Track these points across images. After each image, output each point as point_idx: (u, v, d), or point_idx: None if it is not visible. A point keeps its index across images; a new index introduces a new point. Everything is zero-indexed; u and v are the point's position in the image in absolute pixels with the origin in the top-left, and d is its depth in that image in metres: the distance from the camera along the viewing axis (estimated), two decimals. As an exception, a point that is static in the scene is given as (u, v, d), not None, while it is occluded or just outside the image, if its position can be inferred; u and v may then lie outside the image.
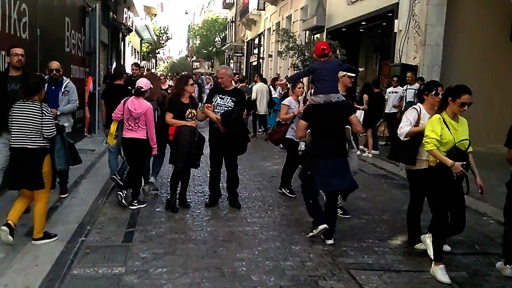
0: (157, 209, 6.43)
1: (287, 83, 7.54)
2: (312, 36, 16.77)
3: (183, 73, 37.21)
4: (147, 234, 5.41)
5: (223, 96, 6.32)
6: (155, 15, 53.83)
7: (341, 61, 7.63)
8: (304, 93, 7.92)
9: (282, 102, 7.14)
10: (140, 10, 33.27)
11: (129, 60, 31.20)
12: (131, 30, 27.26)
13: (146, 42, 42.94)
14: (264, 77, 17.64)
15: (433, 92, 4.90)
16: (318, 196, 5.40)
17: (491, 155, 9.93)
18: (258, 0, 30.55)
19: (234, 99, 6.31)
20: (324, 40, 15.98)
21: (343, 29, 16.98)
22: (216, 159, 6.57)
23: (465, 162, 4.27)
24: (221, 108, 6.26)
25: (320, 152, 5.10)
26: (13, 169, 4.80)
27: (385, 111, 11.91)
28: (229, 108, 6.23)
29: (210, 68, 61.00)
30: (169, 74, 37.03)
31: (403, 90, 11.38)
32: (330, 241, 5.20)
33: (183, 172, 6.33)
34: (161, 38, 47.38)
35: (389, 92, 11.90)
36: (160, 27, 47.85)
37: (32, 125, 4.63)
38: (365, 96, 10.70)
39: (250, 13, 33.16)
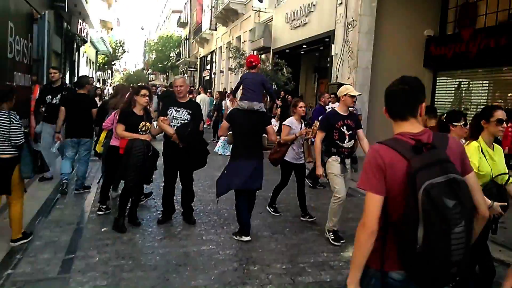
0: (103, 229, 5.52)
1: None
2: (260, 55, 16.81)
3: (139, 84, 36.64)
4: (89, 261, 4.50)
5: (179, 109, 5.61)
6: (112, 29, 52.89)
7: (267, 79, 7.42)
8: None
9: (283, 123, 6.39)
10: (95, 23, 32.38)
11: (84, 70, 30.27)
12: (86, 41, 26.42)
13: (102, 54, 41.89)
14: (208, 89, 17.62)
15: (462, 123, 4.09)
16: (227, 191, 5.36)
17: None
18: (210, 20, 30.42)
19: (190, 112, 5.62)
20: (270, 60, 16.10)
21: (286, 50, 17.14)
22: (171, 173, 5.83)
23: (506, 203, 3.29)
24: (177, 121, 5.57)
25: (238, 152, 5.25)
26: None
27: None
28: (185, 122, 5.55)
29: (165, 81, 60.23)
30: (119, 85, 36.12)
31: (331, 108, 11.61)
32: (247, 238, 5.30)
33: (135, 189, 5.60)
34: (117, 51, 46.48)
35: (328, 108, 12.03)
36: (116, 41, 46.88)
37: (0, 133, 4.46)
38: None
39: (203, 32, 33.00)
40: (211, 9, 29.70)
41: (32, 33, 9.91)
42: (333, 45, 13.29)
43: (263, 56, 19.07)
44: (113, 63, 48.49)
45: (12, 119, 4.48)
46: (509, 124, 6.81)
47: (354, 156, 5.62)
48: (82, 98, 6.98)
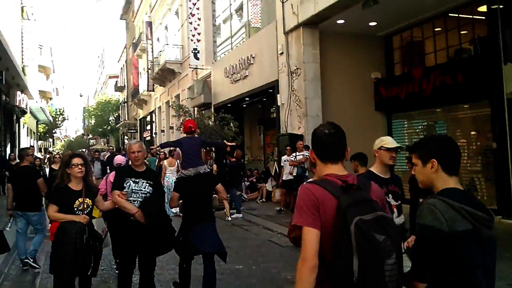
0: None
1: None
2: (201, 111, 15.35)
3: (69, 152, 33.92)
4: None
5: (137, 180, 4.36)
6: (51, 98, 49.84)
7: (204, 138, 6.98)
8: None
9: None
10: (34, 93, 29.81)
11: (25, 141, 27.41)
12: (25, 112, 23.87)
13: (42, 123, 38.81)
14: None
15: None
16: (192, 260, 4.84)
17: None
18: (147, 82, 28.87)
19: (151, 183, 4.42)
20: (212, 117, 14.71)
21: (228, 105, 15.88)
22: (128, 258, 4.38)
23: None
24: (138, 195, 4.32)
25: (192, 218, 4.77)
26: None
27: (282, 179, 10.82)
28: (147, 195, 4.34)
29: (106, 144, 57.33)
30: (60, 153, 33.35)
31: (293, 156, 10.30)
32: None
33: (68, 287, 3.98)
34: (57, 119, 43.38)
35: (284, 161, 10.76)
36: (56, 109, 43.92)
37: None
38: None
39: (141, 94, 31.33)
40: (147, 71, 28.23)
41: None
42: (278, 95, 12.16)
43: (205, 111, 17.71)
44: (54, 131, 45.03)
45: None
46: None
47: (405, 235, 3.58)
48: (25, 172, 6.54)
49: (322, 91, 11.35)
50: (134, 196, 4.31)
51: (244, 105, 16.44)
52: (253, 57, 13.77)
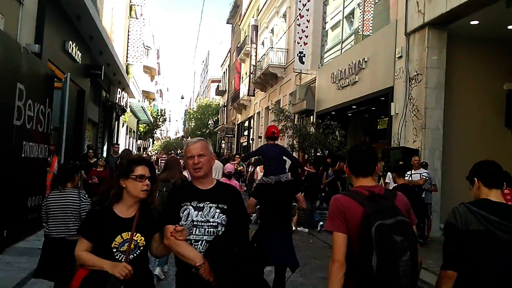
0: None
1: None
2: (302, 118, 14.82)
3: (174, 151, 35.06)
4: None
5: (201, 204, 2.68)
6: (154, 99, 53.03)
7: (285, 149, 6.33)
8: None
9: None
10: (137, 93, 31.81)
11: (123, 139, 29.17)
12: (125, 110, 25.35)
13: (143, 123, 41.27)
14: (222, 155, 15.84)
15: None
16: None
17: None
18: (248, 87, 29.17)
19: (226, 207, 2.69)
20: (314, 121, 14.14)
21: (332, 112, 15.14)
22: None
23: None
24: (201, 230, 2.64)
25: (269, 226, 4.78)
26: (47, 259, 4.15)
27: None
28: (219, 229, 2.65)
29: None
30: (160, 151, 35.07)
31: (407, 175, 9.25)
32: None
33: None
34: (158, 120, 45.96)
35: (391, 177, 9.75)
36: (157, 110, 46.56)
37: (72, 213, 4.22)
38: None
39: (241, 98, 31.78)
40: (250, 75, 28.52)
41: (52, 98, 8.23)
42: (392, 104, 11.18)
43: (305, 118, 17.17)
44: (154, 131, 47.78)
45: (81, 197, 4.33)
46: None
47: None
48: None
49: (445, 101, 10.19)
50: (197, 232, 2.64)
51: (350, 114, 15.60)
52: (365, 61, 12.92)
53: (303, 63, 17.65)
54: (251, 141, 30.40)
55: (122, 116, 26.38)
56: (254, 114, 28.90)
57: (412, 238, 2.20)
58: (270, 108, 17.46)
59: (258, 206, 5.04)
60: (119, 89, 20.88)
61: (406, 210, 2.41)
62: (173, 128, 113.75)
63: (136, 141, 39.71)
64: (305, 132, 13.14)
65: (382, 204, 2.28)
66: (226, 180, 7.07)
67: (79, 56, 12.19)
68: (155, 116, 44.64)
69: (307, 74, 17.96)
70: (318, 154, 14.54)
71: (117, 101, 20.68)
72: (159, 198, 4.87)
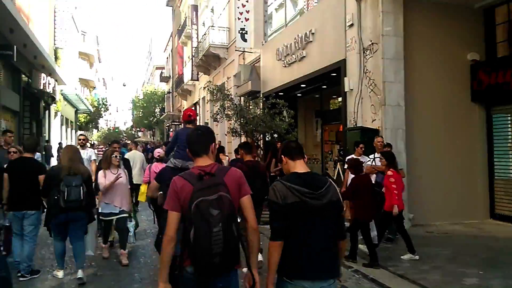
0: None
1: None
2: (248, 101, 12.93)
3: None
4: None
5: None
6: (94, 87, 49.46)
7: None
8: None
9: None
10: (72, 80, 28.80)
11: (57, 131, 26.33)
12: (55, 99, 22.55)
13: (83, 113, 38.06)
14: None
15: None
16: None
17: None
18: (191, 71, 27.01)
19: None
20: (261, 104, 12.38)
21: (280, 93, 13.43)
22: None
23: None
24: None
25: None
26: None
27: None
28: None
29: (152, 137, 56.76)
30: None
31: (370, 159, 7.74)
32: None
33: None
34: (100, 109, 42.69)
35: (368, 160, 8.21)
36: (98, 98, 43.27)
37: None
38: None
39: (185, 83, 29.54)
40: (192, 58, 26.35)
41: None
42: (345, 79, 9.63)
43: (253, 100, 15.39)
44: (96, 121, 44.40)
45: None
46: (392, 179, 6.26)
47: None
48: (27, 163, 5.69)
49: (405, 74, 8.76)
50: None
51: (299, 94, 14.00)
52: (313, 34, 11.28)
53: (245, 40, 15.83)
54: None
55: (53, 105, 23.61)
56: (199, 99, 26.86)
57: (227, 210, 2.49)
58: (205, 86, 15.37)
59: (161, 192, 4.78)
60: (43, 75, 18.13)
61: (237, 184, 2.69)
62: (122, 118, 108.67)
63: (75, 131, 36.47)
64: (247, 113, 11.33)
65: (208, 183, 2.55)
66: (158, 164, 7.45)
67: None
68: (96, 105, 41.43)
69: (251, 52, 16.20)
70: (267, 138, 12.85)
71: (42, 88, 17.98)
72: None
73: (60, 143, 22.83)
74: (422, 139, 8.88)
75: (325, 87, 12.59)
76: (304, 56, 11.72)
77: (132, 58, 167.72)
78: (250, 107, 12.17)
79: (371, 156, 7.75)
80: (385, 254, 6.63)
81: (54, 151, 22.50)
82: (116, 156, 6.34)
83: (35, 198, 5.55)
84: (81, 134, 9.59)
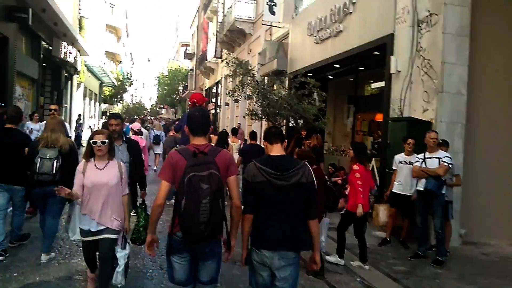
0: None
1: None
2: (273, 80, 11.02)
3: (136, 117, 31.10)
4: None
5: None
6: (120, 61, 48.26)
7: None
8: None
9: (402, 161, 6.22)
10: (95, 51, 27.40)
11: (80, 103, 25.11)
12: (76, 70, 21.22)
13: (107, 86, 36.85)
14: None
15: None
16: None
17: None
18: (215, 47, 25.27)
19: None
20: (287, 85, 10.59)
21: (308, 74, 11.58)
22: None
23: None
24: None
25: None
26: None
27: (392, 189, 6.55)
28: None
29: (174, 115, 55.62)
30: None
31: (419, 159, 5.95)
32: None
33: None
34: (124, 83, 41.38)
35: (400, 162, 6.44)
36: (123, 73, 41.98)
37: None
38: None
39: (208, 61, 27.83)
40: (216, 35, 24.59)
41: None
42: (392, 58, 7.74)
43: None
44: (120, 95, 43.01)
45: None
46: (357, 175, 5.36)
47: None
48: (10, 134, 5.25)
49: (471, 54, 6.84)
50: None
51: (330, 76, 12.12)
52: (353, 3, 9.37)
53: (273, 13, 14.01)
54: (218, 109, 26.82)
55: (76, 75, 22.30)
56: (222, 78, 25.14)
57: (215, 185, 2.76)
58: (223, 59, 13.50)
59: None
60: (64, 44, 16.70)
61: (226, 164, 2.97)
62: (148, 93, 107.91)
63: (99, 104, 35.32)
64: (269, 92, 9.54)
65: (201, 160, 2.84)
66: (135, 137, 7.44)
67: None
68: (121, 79, 40.13)
69: (279, 27, 14.39)
70: (291, 124, 11.03)
71: (63, 57, 16.58)
72: None
73: (79, 115, 21.46)
74: (484, 138, 7.00)
75: (362, 68, 10.74)
76: (341, 31, 9.84)
77: (160, 33, 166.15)
78: (274, 86, 10.37)
79: (421, 155, 5.96)
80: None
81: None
82: (102, 143, 3.81)
83: (21, 172, 5.06)
84: (52, 106, 8.71)
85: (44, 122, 9.02)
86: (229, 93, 10.73)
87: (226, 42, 21.46)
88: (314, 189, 3.01)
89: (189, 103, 5.36)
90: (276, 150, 3.10)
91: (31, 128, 8.77)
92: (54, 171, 4.64)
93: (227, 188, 3.02)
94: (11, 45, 11.06)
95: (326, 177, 10.41)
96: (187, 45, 50.25)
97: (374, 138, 11.09)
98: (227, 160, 3.00)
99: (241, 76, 10.01)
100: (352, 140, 11.91)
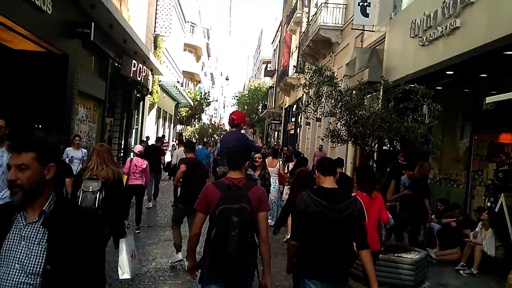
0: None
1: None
2: (364, 94, 9.10)
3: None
4: None
5: None
6: (199, 81, 49.01)
7: (243, 135, 5.57)
8: None
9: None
10: (171, 71, 27.57)
11: (152, 123, 25.14)
12: (148, 90, 21.12)
13: (184, 107, 37.18)
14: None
15: None
16: None
17: None
18: (297, 61, 24.10)
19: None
20: (380, 98, 8.80)
21: (410, 86, 9.65)
22: None
23: None
24: None
25: None
26: None
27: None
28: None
29: (252, 135, 55.33)
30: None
31: None
32: None
33: None
34: (202, 103, 41.50)
35: None
36: (201, 92, 42.32)
37: None
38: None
39: (289, 77, 26.67)
40: (299, 48, 23.43)
41: None
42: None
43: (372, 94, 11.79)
44: (196, 115, 43.27)
45: None
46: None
47: None
48: None
49: None
50: None
51: (439, 88, 10.11)
52: (477, -10, 7.50)
53: (366, 15, 12.37)
54: (298, 129, 25.41)
55: (149, 96, 22.29)
56: (304, 94, 23.77)
57: (245, 218, 2.98)
58: (299, 64, 11.81)
59: None
60: (134, 62, 16.48)
61: (258, 199, 3.16)
62: (227, 112, 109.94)
63: (175, 126, 35.64)
64: (357, 106, 7.74)
65: (234, 193, 3.07)
66: (139, 159, 8.37)
67: (48, 4, 8.78)
68: (198, 99, 40.36)
69: (372, 31, 12.74)
70: (385, 147, 9.09)
71: (130, 75, 16.34)
72: None
73: (147, 137, 21.07)
74: None
75: (484, 75, 8.68)
76: (458, 27, 7.94)
77: (241, 52, 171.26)
78: (365, 101, 8.60)
79: None
80: None
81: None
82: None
83: None
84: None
85: (84, 149, 8.51)
86: (299, 108, 9.06)
87: (309, 54, 20.17)
88: (364, 221, 3.37)
89: (228, 119, 5.55)
90: (329, 182, 3.40)
91: (72, 156, 8.09)
92: (96, 205, 4.60)
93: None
94: (72, 63, 10.69)
95: (433, 216, 8.67)
96: (268, 62, 49.99)
97: (499, 165, 8.95)
98: (260, 195, 3.21)
99: (317, 85, 8.26)
100: (469, 167, 9.73)
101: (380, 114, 7.60)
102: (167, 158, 16.74)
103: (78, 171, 5.42)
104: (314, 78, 8.26)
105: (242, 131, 6.18)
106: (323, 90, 8.11)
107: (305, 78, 8.96)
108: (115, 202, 4.70)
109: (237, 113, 5.68)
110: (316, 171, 3.45)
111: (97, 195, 4.62)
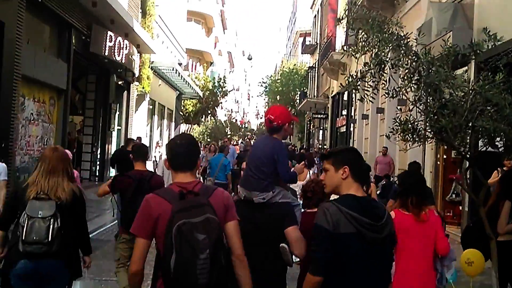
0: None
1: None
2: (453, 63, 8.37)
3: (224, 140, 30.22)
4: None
5: None
6: (212, 63, 49.03)
7: (280, 145, 5.04)
8: None
9: None
10: (159, 46, 26.98)
11: (143, 122, 24.90)
12: (135, 74, 20.91)
13: (190, 98, 37.04)
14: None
15: None
16: None
17: None
18: (346, 30, 23.53)
19: None
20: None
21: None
22: None
23: None
24: None
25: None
26: None
27: None
28: None
29: (288, 137, 55.03)
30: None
31: None
32: None
33: None
34: (216, 92, 41.23)
35: None
36: (214, 78, 42.16)
37: None
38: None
39: (336, 52, 26.32)
40: (349, 9, 22.84)
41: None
42: None
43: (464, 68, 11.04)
44: (209, 110, 43.13)
45: None
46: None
47: None
48: None
49: None
50: None
51: None
52: None
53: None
54: (352, 125, 25.35)
55: (136, 83, 22.04)
56: (357, 76, 23.25)
57: (214, 235, 2.92)
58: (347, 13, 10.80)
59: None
60: (111, 34, 16.18)
61: (223, 206, 3.15)
62: (253, 104, 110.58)
63: (177, 126, 35.41)
64: (445, 78, 6.89)
65: (191, 202, 3.01)
66: None
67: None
68: (210, 87, 40.14)
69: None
70: (480, 145, 8.30)
71: (105, 54, 16.06)
72: None
73: (138, 138, 20.63)
74: None
75: None
76: None
77: (269, 22, 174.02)
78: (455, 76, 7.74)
79: None
80: None
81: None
82: None
83: None
84: None
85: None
86: (349, 83, 8.09)
87: (363, 17, 19.51)
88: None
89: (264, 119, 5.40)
90: (359, 190, 3.32)
91: None
92: (49, 237, 4.57)
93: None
94: (9, 33, 10.33)
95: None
96: (307, 34, 49.81)
97: None
98: (225, 200, 3.23)
99: (378, 46, 7.38)
100: None
101: (483, 93, 6.73)
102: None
103: (17, 188, 5.33)
104: (372, 37, 7.36)
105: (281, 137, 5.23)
106: (387, 55, 7.22)
107: (356, 38, 8.14)
108: (71, 232, 4.77)
109: (276, 109, 5.11)
110: (345, 167, 3.26)
111: (51, 222, 4.58)
